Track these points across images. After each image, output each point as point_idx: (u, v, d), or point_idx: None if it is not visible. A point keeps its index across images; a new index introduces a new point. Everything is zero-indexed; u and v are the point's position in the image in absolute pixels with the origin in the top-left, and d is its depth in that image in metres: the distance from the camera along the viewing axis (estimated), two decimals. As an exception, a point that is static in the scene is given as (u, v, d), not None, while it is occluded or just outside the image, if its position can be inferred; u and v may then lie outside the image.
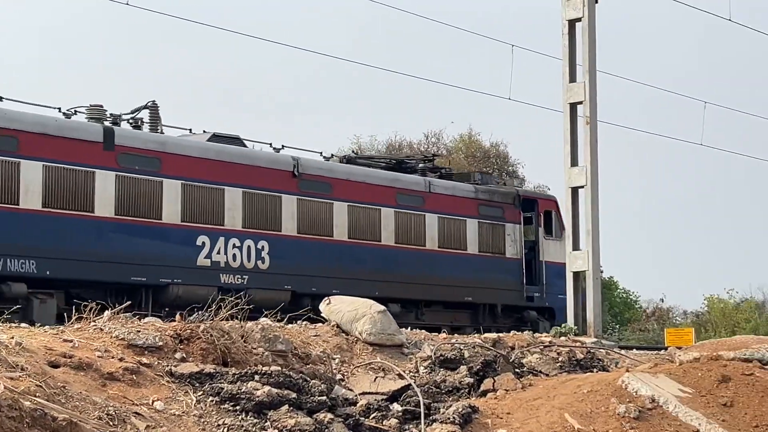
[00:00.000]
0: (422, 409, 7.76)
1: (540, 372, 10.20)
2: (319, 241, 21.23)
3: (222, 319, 8.87)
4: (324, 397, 7.75)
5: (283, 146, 21.65)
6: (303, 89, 74.08)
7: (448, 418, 7.59)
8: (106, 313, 8.85)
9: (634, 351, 14.29)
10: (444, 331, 14.17)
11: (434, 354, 9.84)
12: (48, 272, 17.37)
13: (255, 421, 7.27)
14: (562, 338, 13.72)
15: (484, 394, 8.77)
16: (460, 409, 7.71)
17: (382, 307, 10.69)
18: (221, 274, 19.56)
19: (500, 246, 24.76)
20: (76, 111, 19.04)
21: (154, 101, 20.20)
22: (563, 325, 15.02)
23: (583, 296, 15.86)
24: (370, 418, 7.67)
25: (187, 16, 42.62)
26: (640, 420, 7.83)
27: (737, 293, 55.78)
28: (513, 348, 11.03)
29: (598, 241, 15.66)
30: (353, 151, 27.44)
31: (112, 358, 7.77)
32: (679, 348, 10.56)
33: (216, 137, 20.91)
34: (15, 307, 11.18)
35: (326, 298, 11.18)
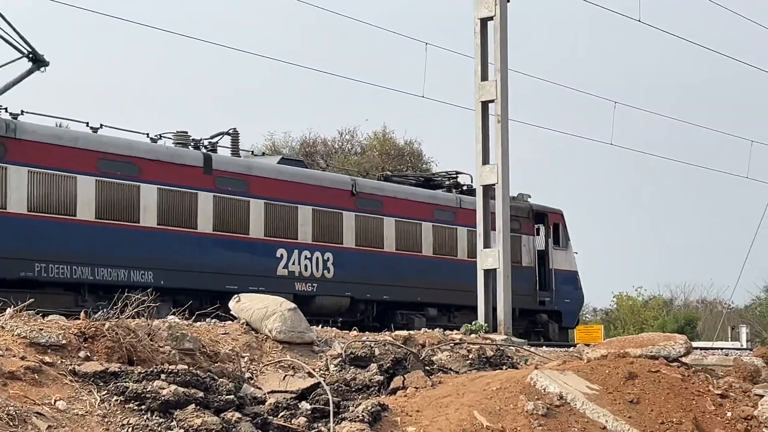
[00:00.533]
0: (331, 408, 7.70)
1: (450, 369, 10.21)
2: (373, 253, 23.98)
3: (128, 317, 8.72)
4: (232, 396, 7.63)
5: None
6: (214, 85, 73.43)
7: (358, 417, 7.53)
8: (8, 310, 8.64)
9: (544, 348, 14.42)
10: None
11: (345, 352, 9.78)
12: (162, 282, 19.38)
13: (161, 420, 7.12)
14: (473, 336, 13.79)
15: (394, 392, 8.73)
16: (369, 408, 7.65)
17: (293, 305, 10.60)
18: (296, 283, 22.09)
19: (517, 256, 26.42)
20: (161, 136, 21.61)
21: (235, 129, 22.99)
22: (474, 322, 15.07)
23: (494, 294, 15.93)
24: (279, 416, 7.57)
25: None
26: (548, 417, 7.87)
27: (645, 291, 56.94)
28: (424, 346, 11.03)
29: (509, 240, 15.77)
30: (384, 171, 30.32)
31: (14, 356, 7.56)
32: (588, 345, 10.66)
33: (284, 160, 24.56)
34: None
35: (236, 296, 11.04)
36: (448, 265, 25.64)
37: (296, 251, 22.37)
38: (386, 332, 11.73)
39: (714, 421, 8.30)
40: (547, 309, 28.22)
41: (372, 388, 8.84)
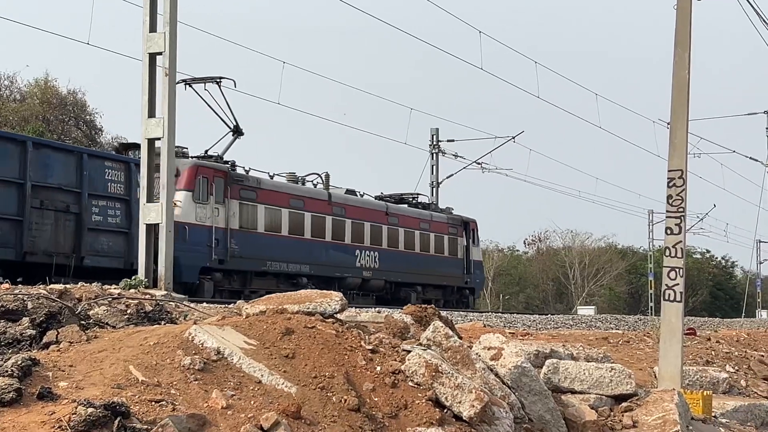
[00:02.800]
0: (-23, 363, 7.34)
1: (108, 324, 9.98)
2: (393, 252, 37.55)
3: None
4: None
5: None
6: None
7: (6, 371, 7.21)
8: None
9: (205, 305, 14.44)
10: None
11: (-6, 305, 9.33)
12: (312, 271, 32.52)
13: None
14: (132, 291, 13.55)
15: (46, 346, 8.43)
16: (19, 362, 7.34)
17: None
18: (363, 271, 35.77)
19: (456, 251, 42.03)
20: (299, 179, 34.42)
21: (326, 172, 35.00)
22: (134, 277, 14.80)
23: (156, 249, 15.72)
24: None
25: None
26: (205, 372, 7.90)
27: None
28: (80, 300, 10.70)
29: (173, 195, 15.58)
30: (403, 195, 41.73)
31: None
32: (247, 301, 10.75)
33: (348, 191, 36.23)
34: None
35: None
36: (426, 258, 39.69)
37: (363, 251, 35.65)
38: (42, 285, 11.41)
39: (364, 375, 8.64)
40: (468, 286, 43.09)
41: (23, 343, 8.50)
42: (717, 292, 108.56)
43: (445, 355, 9.46)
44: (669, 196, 13.31)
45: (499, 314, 29.04)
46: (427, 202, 43.37)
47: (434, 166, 51.23)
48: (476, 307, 45.66)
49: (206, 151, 29.43)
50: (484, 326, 18.96)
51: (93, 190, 22.85)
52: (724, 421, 12.59)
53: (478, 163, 50.57)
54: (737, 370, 16.32)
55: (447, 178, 51.70)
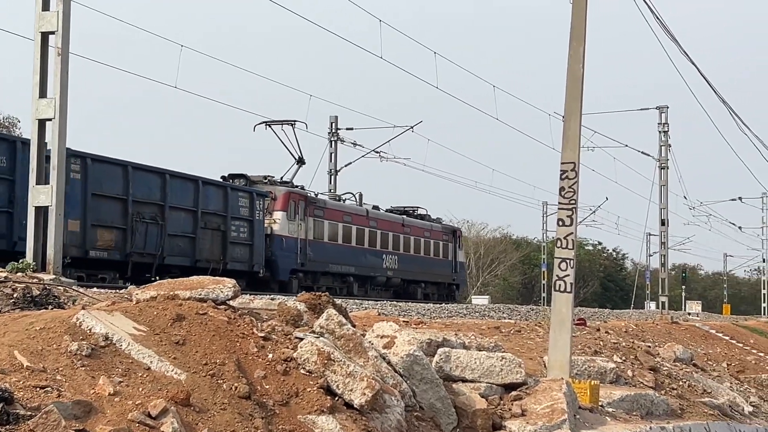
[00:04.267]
0: None
1: (-8, 308, 9.74)
2: (406, 255, 45.09)
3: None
4: None
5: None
6: None
7: None
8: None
9: (95, 290, 14.16)
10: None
11: None
12: (355, 272, 40.28)
13: None
14: (19, 274, 13.23)
15: (-74, 330, 8.18)
16: None
17: None
18: (388, 271, 43.27)
19: (447, 254, 49.79)
20: (339, 197, 43.49)
21: (360, 192, 44.10)
22: (21, 261, 14.44)
23: (45, 232, 15.36)
24: None
25: None
26: (93, 357, 7.75)
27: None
28: (-36, 283, 10.41)
29: (63, 177, 15.24)
30: (405, 208, 48.93)
31: None
32: (138, 287, 10.59)
33: (374, 207, 43.66)
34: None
35: None
36: (428, 260, 47.51)
37: (388, 255, 43.22)
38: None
39: (256, 363, 8.59)
40: (456, 282, 50.95)
41: None
42: (608, 283, 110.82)
43: (338, 343, 9.45)
44: (561, 188, 13.51)
45: (394, 303, 29.10)
46: (423, 213, 50.09)
47: (333, 154, 51.14)
48: (461, 300, 53.20)
49: (281, 178, 37.77)
50: (379, 314, 19.02)
51: (233, 213, 31.40)
52: (610, 410, 12.86)
53: (377, 152, 50.67)
54: (624, 361, 16.67)
55: (345, 166, 51.72)
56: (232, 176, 35.17)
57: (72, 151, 22.66)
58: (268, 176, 36.28)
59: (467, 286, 62.08)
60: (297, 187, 37.52)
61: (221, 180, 33.83)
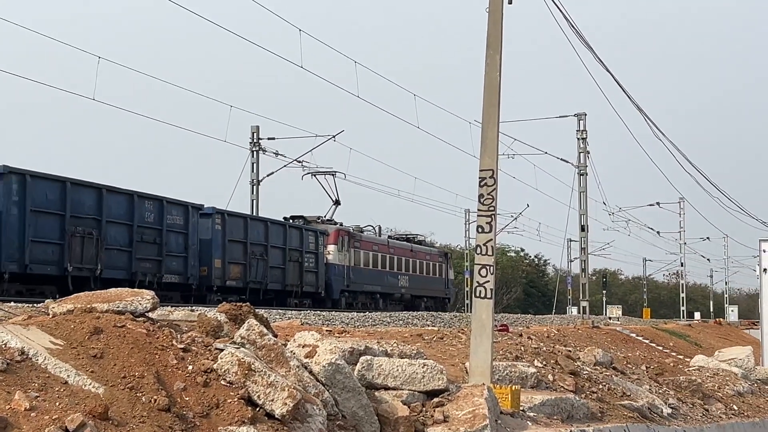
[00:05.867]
0: None
1: None
2: (414, 275, 53.87)
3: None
4: None
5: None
6: None
7: None
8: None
9: (12, 304, 13.93)
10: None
11: None
12: (381, 290, 49.40)
13: None
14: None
15: None
16: None
17: None
18: (402, 289, 51.78)
19: (441, 273, 58.48)
20: (362, 228, 51.20)
21: (379, 225, 55.98)
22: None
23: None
24: None
25: None
26: (8, 373, 7.63)
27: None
28: None
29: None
30: (408, 236, 58.86)
31: None
32: (55, 300, 10.43)
33: (390, 237, 56.24)
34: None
35: None
36: (428, 279, 56.03)
37: (401, 276, 51.91)
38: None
39: (176, 375, 8.52)
40: (447, 296, 59.91)
41: None
42: (530, 289, 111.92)
43: (259, 354, 9.42)
44: (480, 195, 13.62)
45: (318, 312, 29.11)
46: (421, 238, 59.83)
47: (254, 164, 50.91)
48: (452, 310, 62.92)
49: (320, 217, 46.75)
50: (302, 324, 18.99)
51: (306, 249, 41.65)
52: (531, 414, 12.98)
53: (299, 162, 50.58)
54: (545, 365, 16.84)
55: (267, 176, 51.53)
56: (293, 217, 45.48)
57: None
58: (320, 217, 46.50)
59: (456, 299, 74.43)
60: (338, 224, 47.16)
61: (289, 220, 44.10)
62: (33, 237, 25.83)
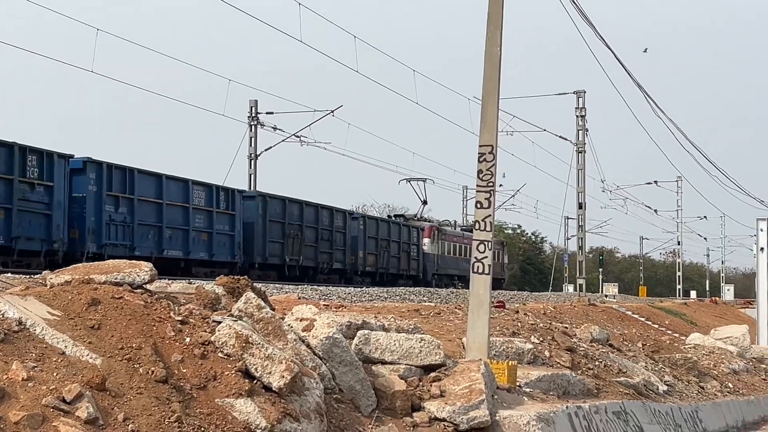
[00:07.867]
0: None
1: None
2: (466, 258, 52.50)
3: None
4: None
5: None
6: None
7: None
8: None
9: (9, 275, 13.93)
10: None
11: None
12: (457, 272, 58.49)
13: None
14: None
15: None
16: None
17: None
18: (465, 271, 54.04)
19: (499, 258, 67.92)
20: (443, 223, 66.75)
21: (455, 219, 75.54)
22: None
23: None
24: None
25: None
26: (5, 342, 7.63)
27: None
28: None
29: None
30: (441, 221, 67.17)
31: None
32: (53, 271, 10.42)
33: (456, 227, 69.98)
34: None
35: None
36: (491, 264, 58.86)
37: (462, 261, 57.05)
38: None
39: (173, 347, 8.52)
40: (502, 278, 66.74)
41: None
42: (527, 266, 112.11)
43: (256, 326, 9.42)
44: (479, 171, 13.60)
45: (315, 287, 29.14)
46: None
47: (253, 139, 50.87)
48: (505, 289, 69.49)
49: (415, 215, 60.75)
50: (299, 298, 19.02)
51: (411, 241, 55.26)
52: (527, 390, 13.01)
53: (297, 136, 50.58)
54: (542, 341, 16.86)
55: (266, 150, 51.57)
56: (396, 216, 61.16)
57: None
58: (416, 215, 60.68)
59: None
60: (430, 221, 61.28)
61: (394, 218, 58.41)
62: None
